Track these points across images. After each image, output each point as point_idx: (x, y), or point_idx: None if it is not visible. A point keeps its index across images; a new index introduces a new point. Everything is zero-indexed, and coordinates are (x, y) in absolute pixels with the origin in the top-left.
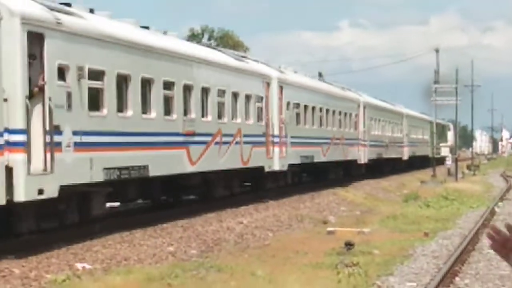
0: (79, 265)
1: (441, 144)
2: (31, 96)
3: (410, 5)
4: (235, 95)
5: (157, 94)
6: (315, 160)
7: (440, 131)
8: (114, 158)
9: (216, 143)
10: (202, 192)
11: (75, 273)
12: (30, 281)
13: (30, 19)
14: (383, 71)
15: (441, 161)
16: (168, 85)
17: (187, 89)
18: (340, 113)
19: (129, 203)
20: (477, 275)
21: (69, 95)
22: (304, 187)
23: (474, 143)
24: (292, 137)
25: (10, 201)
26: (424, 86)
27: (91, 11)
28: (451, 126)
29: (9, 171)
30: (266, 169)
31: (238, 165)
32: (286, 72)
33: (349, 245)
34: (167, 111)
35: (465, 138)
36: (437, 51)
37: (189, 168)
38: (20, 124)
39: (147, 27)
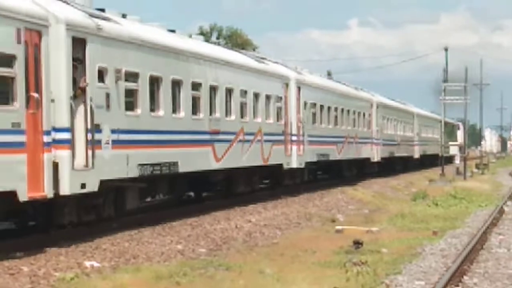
0: (87, 263)
1: (450, 143)
2: (74, 97)
3: (420, 4)
4: (256, 96)
5: (185, 94)
6: (331, 158)
7: (450, 130)
8: (148, 155)
9: (239, 141)
10: (224, 188)
11: (83, 271)
12: (39, 279)
13: (74, 25)
14: (392, 69)
15: (450, 160)
16: (195, 86)
17: (213, 89)
18: (354, 112)
19: (158, 199)
20: (485, 274)
21: (107, 96)
22: (310, 187)
23: (483, 142)
24: (309, 135)
25: (56, 195)
26: (433, 84)
27: (124, 16)
28: (461, 125)
29: (55, 166)
30: (285, 166)
31: (259, 162)
32: (303, 73)
33: (357, 243)
34: (195, 110)
35: (474, 136)
36: (446, 50)
37: (215, 165)
38: (65, 123)
39: (173, 31)
